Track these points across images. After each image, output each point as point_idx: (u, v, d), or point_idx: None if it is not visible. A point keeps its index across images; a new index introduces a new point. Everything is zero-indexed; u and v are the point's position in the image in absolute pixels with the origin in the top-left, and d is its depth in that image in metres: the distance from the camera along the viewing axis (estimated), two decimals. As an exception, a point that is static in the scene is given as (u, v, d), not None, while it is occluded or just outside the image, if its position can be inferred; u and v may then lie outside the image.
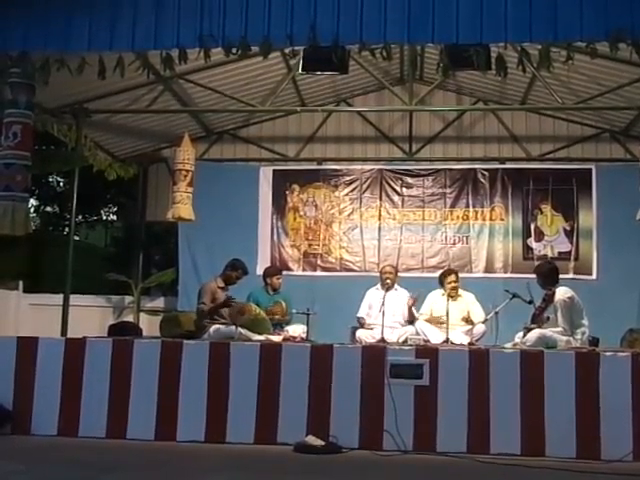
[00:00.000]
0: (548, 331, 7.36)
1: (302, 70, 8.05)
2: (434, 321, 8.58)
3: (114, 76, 7.59)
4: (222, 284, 8.22)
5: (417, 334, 8.35)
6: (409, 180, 11.28)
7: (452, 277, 8.85)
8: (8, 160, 7.28)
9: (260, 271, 10.08)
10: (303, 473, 5.46)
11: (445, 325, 8.05)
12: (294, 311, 8.57)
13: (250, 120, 11.70)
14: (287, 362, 6.60)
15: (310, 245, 11.28)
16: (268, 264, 10.58)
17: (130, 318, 10.99)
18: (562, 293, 7.57)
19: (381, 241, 11.16)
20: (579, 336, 7.39)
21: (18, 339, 7.01)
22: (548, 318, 7.58)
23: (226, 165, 11.60)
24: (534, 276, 7.98)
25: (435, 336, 8.26)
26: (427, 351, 6.66)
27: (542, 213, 10.97)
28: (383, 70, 10.53)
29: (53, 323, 8.98)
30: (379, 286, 9.05)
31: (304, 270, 11.20)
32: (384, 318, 8.30)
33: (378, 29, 6.63)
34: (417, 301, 8.79)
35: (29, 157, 7.34)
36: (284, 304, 8.68)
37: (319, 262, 11.22)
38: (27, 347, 6.87)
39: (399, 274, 9.56)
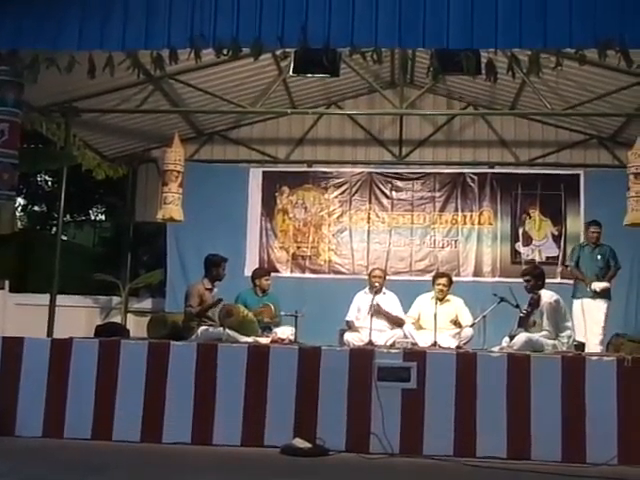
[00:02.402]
0: (535, 335, 7.40)
1: (293, 72, 8.05)
2: (417, 324, 8.64)
3: (104, 75, 7.56)
4: (209, 285, 8.17)
5: (405, 337, 8.37)
6: (398, 183, 11.30)
7: (442, 280, 8.86)
8: (-5, 158, 7.23)
9: (248, 272, 10.06)
10: (290, 476, 5.45)
11: (432, 328, 8.08)
12: (282, 313, 8.56)
13: (241, 121, 11.69)
14: (275, 364, 6.60)
15: (299, 247, 11.29)
16: (256, 265, 10.57)
17: (117, 319, 10.94)
18: (548, 297, 7.63)
19: (370, 244, 11.17)
20: (565, 340, 7.44)
21: (3, 339, 6.95)
22: (534, 322, 7.61)
23: (216, 166, 11.59)
24: (520, 280, 8.02)
25: (423, 339, 8.27)
26: (415, 354, 6.68)
27: (530, 218, 11.02)
28: (374, 73, 10.55)
29: (39, 323, 8.93)
30: (367, 289, 9.05)
31: (293, 272, 11.21)
32: (372, 321, 8.30)
33: (369, 32, 6.62)
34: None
35: (16, 155, 7.29)
36: (272, 306, 8.67)
37: (308, 264, 11.22)
38: (12, 347, 6.83)
39: (387, 277, 9.58)
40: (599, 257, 9.01)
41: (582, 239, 10.39)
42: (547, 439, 6.22)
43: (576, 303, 9.03)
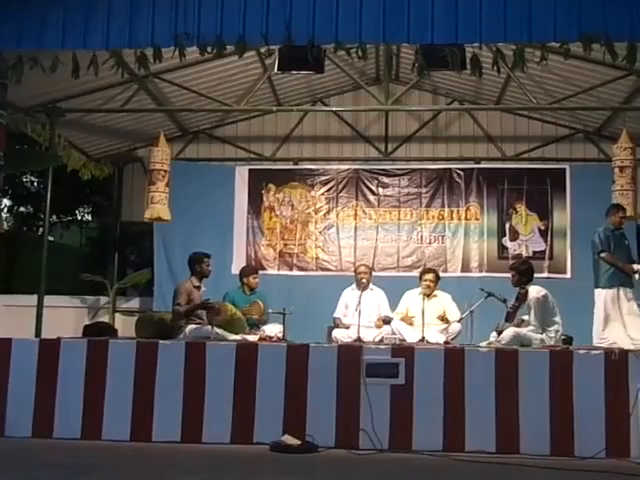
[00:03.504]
0: (523, 329, 7.43)
1: (278, 69, 8.04)
2: (407, 320, 8.64)
3: (88, 75, 7.54)
4: (197, 283, 8.17)
5: (393, 333, 8.37)
6: (385, 180, 11.30)
7: (429, 276, 8.87)
8: (-20, 160, 7.20)
9: (236, 271, 10.08)
10: (279, 473, 5.46)
11: (420, 324, 8.09)
12: (270, 311, 8.56)
13: (226, 120, 11.67)
14: (263, 362, 6.61)
15: (286, 245, 11.27)
16: (244, 264, 10.56)
17: (105, 319, 10.91)
18: (536, 291, 7.63)
19: (357, 241, 11.17)
20: (552, 334, 7.46)
21: (-9, 340, 6.95)
22: (522, 321, 7.63)
23: (202, 165, 11.56)
24: (508, 275, 8.03)
25: (411, 335, 8.28)
26: (403, 350, 6.69)
27: (517, 212, 11.03)
28: (359, 70, 10.55)
29: (27, 324, 8.89)
30: (354, 286, 9.06)
31: (280, 269, 11.19)
32: (360, 318, 8.31)
33: (354, 28, 6.65)
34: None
35: (1, 156, 7.27)
36: (261, 304, 8.68)
37: (295, 261, 11.21)
38: (0, 348, 6.81)
39: (375, 273, 9.58)
40: (626, 242, 8.54)
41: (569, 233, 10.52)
42: (535, 433, 6.25)
43: (611, 293, 7.82)
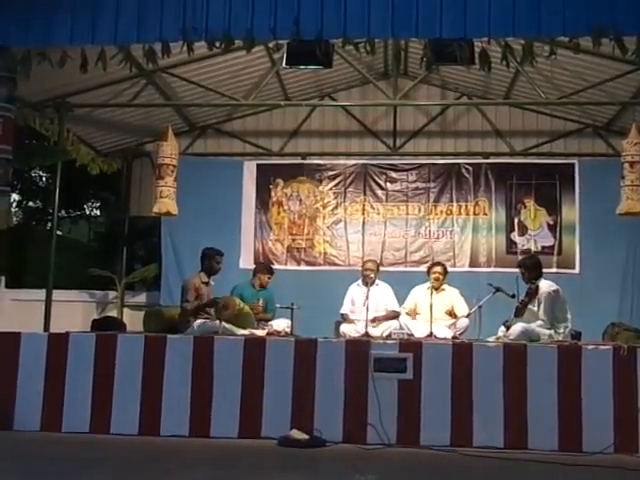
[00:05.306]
0: (531, 325, 7.40)
1: (286, 64, 8.03)
2: (412, 314, 8.65)
3: (97, 70, 7.54)
4: (205, 279, 8.15)
5: (401, 328, 8.37)
6: (393, 175, 11.27)
7: (437, 268, 8.88)
8: (-12, 154, 7.20)
9: (243, 265, 10.13)
10: (287, 467, 5.46)
11: (428, 319, 8.08)
12: (278, 306, 8.55)
13: (234, 114, 11.66)
14: (271, 356, 6.62)
15: (294, 239, 11.26)
16: (252, 258, 10.60)
17: (113, 313, 10.94)
18: (547, 286, 7.61)
19: (365, 236, 11.15)
20: (562, 330, 7.43)
21: (0, 335, 6.96)
22: (527, 310, 7.60)
23: (210, 160, 11.56)
24: (517, 270, 8.00)
25: (418, 330, 8.27)
26: (411, 345, 6.69)
27: (525, 207, 11.00)
28: (367, 64, 10.52)
29: (36, 318, 8.92)
30: (360, 282, 9.04)
31: (288, 264, 11.18)
32: (368, 313, 8.30)
33: (362, 23, 6.63)
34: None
35: (10, 151, 7.27)
36: (261, 301, 8.67)
37: (303, 256, 11.20)
38: (9, 342, 6.84)
39: (383, 268, 9.57)
40: None
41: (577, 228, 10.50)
42: (543, 428, 6.24)
43: None
